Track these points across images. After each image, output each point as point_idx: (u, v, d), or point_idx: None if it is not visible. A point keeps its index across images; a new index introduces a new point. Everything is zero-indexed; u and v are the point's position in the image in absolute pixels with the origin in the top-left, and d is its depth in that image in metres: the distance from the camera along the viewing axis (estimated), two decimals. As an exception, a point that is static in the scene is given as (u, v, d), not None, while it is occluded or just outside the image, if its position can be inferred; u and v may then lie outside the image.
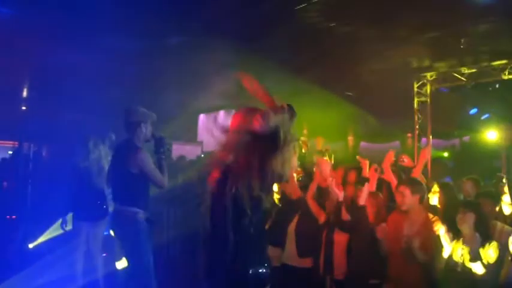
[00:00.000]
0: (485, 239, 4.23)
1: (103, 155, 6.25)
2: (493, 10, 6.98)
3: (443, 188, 5.27)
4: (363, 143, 16.14)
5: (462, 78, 9.88)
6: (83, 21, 7.02)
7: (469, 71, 9.64)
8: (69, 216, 6.38)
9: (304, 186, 5.79)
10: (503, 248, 4.22)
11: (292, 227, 5.42)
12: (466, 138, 13.95)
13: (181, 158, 9.87)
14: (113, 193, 5.22)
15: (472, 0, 6.81)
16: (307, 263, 5.27)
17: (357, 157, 6.09)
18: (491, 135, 10.76)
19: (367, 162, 5.79)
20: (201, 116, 15.10)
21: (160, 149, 5.13)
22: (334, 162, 9.01)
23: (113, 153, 5.45)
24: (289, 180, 5.30)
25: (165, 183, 5.09)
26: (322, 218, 5.30)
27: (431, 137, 10.51)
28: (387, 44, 8.60)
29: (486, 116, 10.65)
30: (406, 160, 6.80)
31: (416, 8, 6.98)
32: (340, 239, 5.01)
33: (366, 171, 5.70)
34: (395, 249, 4.57)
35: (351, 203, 5.16)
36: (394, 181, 5.50)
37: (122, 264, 5.82)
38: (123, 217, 4.96)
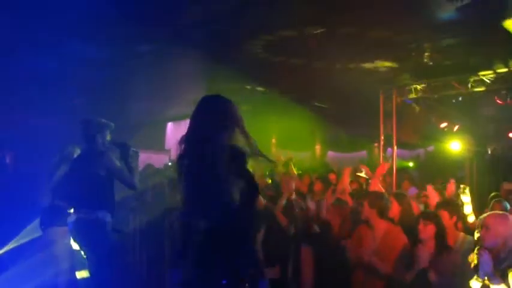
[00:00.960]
0: (443, 248, 4.31)
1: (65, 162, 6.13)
2: (455, 25, 7.17)
3: (397, 198, 5.29)
4: (330, 152, 16.31)
5: (426, 90, 10.11)
6: (51, 28, 6.92)
7: (433, 84, 9.88)
8: (36, 222, 6.24)
9: (272, 196, 5.83)
10: (464, 258, 4.30)
11: (259, 237, 5.41)
12: (430, 149, 14.24)
13: (149, 166, 9.74)
14: (80, 199, 5.02)
15: (436, 15, 6.99)
16: (274, 274, 5.28)
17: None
18: (454, 145, 11.02)
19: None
20: (169, 124, 15.00)
21: (128, 158, 5.02)
22: (300, 171, 9.09)
23: (75, 160, 5.33)
24: None
25: (135, 184, 5.01)
26: (290, 230, 5.33)
27: (396, 147, 10.66)
28: (354, 58, 8.76)
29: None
30: (364, 170, 6.83)
31: (382, 22, 7.13)
32: (307, 252, 5.03)
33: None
34: (360, 262, 4.60)
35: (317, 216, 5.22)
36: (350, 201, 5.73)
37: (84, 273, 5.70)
38: (88, 224, 4.82)
